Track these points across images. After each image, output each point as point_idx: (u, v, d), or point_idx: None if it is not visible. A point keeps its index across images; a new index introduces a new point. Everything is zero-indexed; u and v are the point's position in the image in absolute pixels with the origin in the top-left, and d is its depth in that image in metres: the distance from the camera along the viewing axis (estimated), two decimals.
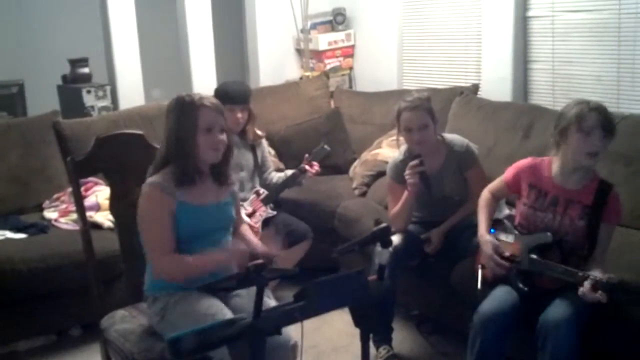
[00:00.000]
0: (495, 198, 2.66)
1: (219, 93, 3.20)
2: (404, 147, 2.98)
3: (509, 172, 2.60)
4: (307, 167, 3.27)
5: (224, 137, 2.17)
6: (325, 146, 3.31)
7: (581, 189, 2.41)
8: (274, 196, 3.35)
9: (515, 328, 2.36)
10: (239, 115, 3.25)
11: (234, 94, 3.24)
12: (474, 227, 2.64)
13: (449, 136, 2.99)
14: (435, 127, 2.89)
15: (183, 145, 2.12)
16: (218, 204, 2.23)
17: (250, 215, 3.24)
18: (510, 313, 2.34)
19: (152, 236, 2.11)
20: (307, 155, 3.30)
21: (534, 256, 2.38)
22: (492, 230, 2.57)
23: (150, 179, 2.15)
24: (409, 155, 2.90)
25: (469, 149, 2.93)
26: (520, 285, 2.37)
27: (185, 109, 2.14)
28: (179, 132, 2.13)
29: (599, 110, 2.35)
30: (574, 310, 2.22)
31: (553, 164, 2.47)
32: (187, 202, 2.13)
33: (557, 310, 2.24)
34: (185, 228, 2.13)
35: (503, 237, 2.53)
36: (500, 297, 2.39)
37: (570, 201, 2.41)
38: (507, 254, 2.46)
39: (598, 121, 2.31)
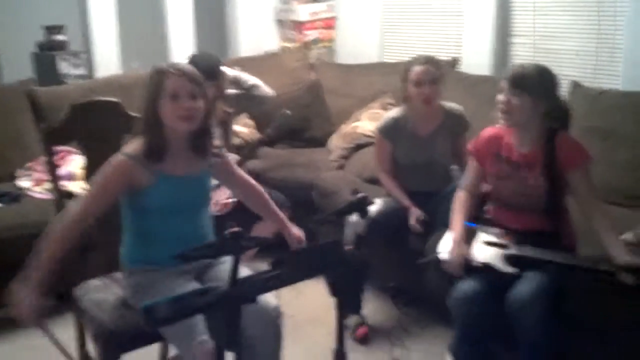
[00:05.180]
0: (470, 193, 2.55)
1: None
2: (402, 107, 3.02)
3: (472, 143, 2.56)
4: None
5: (196, 104, 2.06)
6: (287, 111, 3.51)
7: (537, 148, 2.37)
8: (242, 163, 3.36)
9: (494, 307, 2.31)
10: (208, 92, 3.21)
11: (201, 69, 3.16)
12: (452, 196, 2.65)
13: (446, 102, 3.02)
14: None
15: (149, 114, 2.05)
16: (198, 175, 2.16)
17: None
18: (486, 291, 2.30)
19: (90, 199, 2.02)
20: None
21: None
22: (472, 224, 2.50)
23: (124, 150, 2.07)
24: (403, 115, 2.96)
25: (464, 114, 3.00)
26: (510, 270, 2.28)
27: (152, 77, 2.07)
28: (146, 101, 2.06)
29: (514, 67, 2.40)
30: (540, 284, 2.18)
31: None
32: (167, 173, 2.07)
33: (522, 288, 2.20)
34: (160, 199, 2.06)
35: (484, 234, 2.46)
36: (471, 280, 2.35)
37: (529, 164, 2.37)
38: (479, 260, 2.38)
39: (507, 76, 2.34)
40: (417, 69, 2.88)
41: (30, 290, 1.87)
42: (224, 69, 3.27)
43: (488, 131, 2.51)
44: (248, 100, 3.42)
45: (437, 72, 2.89)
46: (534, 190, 2.36)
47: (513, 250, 2.32)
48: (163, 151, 2.06)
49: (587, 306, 2.35)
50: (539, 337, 2.17)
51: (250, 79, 3.41)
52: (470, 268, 2.37)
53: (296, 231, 2.34)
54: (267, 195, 2.38)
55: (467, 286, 2.33)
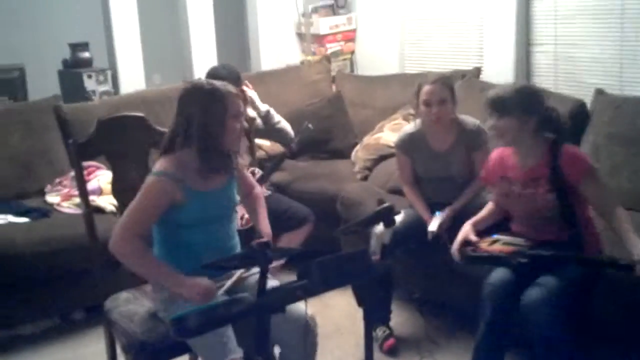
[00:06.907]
0: (498, 207, 2.61)
1: (211, 78, 3.22)
2: (417, 121, 3.00)
3: (482, 170, 2.64)
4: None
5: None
6: (309, 125, 3.48)
7: (540, 162, 2.38)
8: (266, 177, 3.37)
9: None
10: None
11: (226, 77, 3.21)
12: (478, 210, 2.65)
13: (461, 116, 2.97)
14: (454, 106, 2.90)
15: (211, 133, 2.09)
16: (223, 188, 2.21)
17: None
18: (516, 282, 2.33)
19: (133, 215, 2.06)
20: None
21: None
22: (493, 235, 2.53)
23: (158, 168, 2.10)
24: (418, 130, 2.95)
25: (480, 129, 2.91)
26: (520, 261, 2.32)
27: (214, 96, 2.10)
28: (208, 119, 2.09)
29: (491, 92, 2.43)
30: (555, 287, 2.20)
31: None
32: (196, 189, 2.10)
33: (536, 290, 2.22)
34: (191, 214, 2.10)
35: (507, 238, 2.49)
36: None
37: (535, 179, 2.38)
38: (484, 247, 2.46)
39: (486, 102, 2.40)
40: (425, 88, 2.85)
41: (181, 281, 2.02)
42: (259, 104, 3.49)
43: (494, 154, 2.56)
44: (271, 134, 3.60)
45: (446, 92, 2.84)
46: (545, 205, 2.37)
47: (527, 251, 2.33)
48: (219, 168, 2.14)
49: (612, 314, 2.35)
50: (550, 341, 2.18)
51: (276, 116, 3.55)
52: (478, 257, 2.44)
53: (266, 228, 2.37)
54: (257, 198, 2.45)
55: (501, 274, 2.37)
